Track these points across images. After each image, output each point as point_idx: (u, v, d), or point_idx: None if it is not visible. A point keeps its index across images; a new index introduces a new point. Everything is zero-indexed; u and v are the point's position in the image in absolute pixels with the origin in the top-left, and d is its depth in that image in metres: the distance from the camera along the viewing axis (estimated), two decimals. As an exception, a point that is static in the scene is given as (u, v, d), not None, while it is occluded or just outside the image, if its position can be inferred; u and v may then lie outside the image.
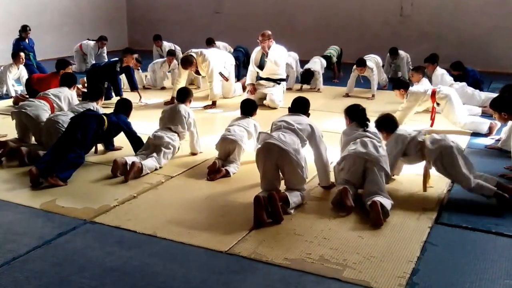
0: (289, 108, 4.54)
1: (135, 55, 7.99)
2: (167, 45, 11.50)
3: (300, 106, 4.51)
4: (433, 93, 6.33)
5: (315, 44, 11.22)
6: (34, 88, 7.22)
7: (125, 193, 4.27)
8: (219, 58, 8.12)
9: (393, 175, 4.52)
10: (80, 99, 7.63)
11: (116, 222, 3.74)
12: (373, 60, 8.93)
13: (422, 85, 6.85)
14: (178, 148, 5.24)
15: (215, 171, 4.69)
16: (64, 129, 4.93)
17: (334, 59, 10.25)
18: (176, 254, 3.32)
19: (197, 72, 8.07)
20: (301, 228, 3.65)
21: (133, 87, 7.99)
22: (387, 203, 3.88)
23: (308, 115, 4.51)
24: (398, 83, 6.71)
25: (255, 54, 7.90)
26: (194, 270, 3.12)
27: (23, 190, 4.39)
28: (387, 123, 4.55)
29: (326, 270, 3.10)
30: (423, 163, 4.35)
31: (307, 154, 4.20)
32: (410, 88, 6.50)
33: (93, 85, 5.92)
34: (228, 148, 4.88)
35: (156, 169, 4.80)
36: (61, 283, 2.98)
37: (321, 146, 4.32)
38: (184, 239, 3.48)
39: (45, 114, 5.41)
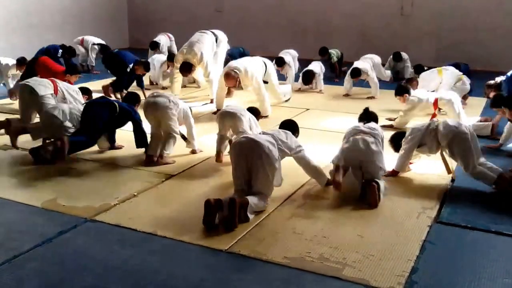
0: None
1: (146, 73, 8.12)
2: (163, 39, 11.50)
3: (287, 127, 4.42)
4: (435, 102, 6.36)
5: (316, 44, 11.21)
6: (36, 69, 7.26)
7: (126, 192, 4.28)
8: (210, 51, 7.95)
9: (406, 171, 4.75)
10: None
11: (116, 221, 3.75)
12: (367, 61, 8.79)
13: (425, 92, 6.80)
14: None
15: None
16: (59, 120, 5.03)
17: (335, 59, 10.27)
18: (176, 252, 3.34)
19: None
20: (301, 227, 3.67)
21: (139, 85, 8.07)
22: (382, 187, 4.06)
23: (296, 136, 4.41)
24: (400, 89, 6.73)
25: (222, 79, 6.99)
26: (194, 269, 3.14)
27: (24, 189, 4.40)
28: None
29: (325, 268, 3.11)
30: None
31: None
32: (412, 92, 6.53)
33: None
34: (228, 122, 4.87)
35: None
36: (62, 281, 2.99)
37: (303, 154, 4.24)
38: (184, 237, 3.49)
39: (47, 91, 5.53)
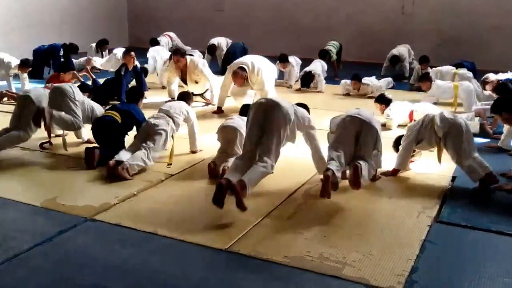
0: None
1: (133, 53, 8.01)
2: (163, 41, 11.46)
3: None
4: (410, 114, 6.34)
5: (316, 42, 11.22)
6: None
7: (126, 191, 4.28)
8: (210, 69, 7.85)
9: (406, 169, 4.75)
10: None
11: (116, 220, 3.75)
12: (372, 79, 8.68)
13: (399, 108, 6.61)
14: (172, 139, 5.09)
15: (215, 175, 4.61)
16: (73, 98, 5.14)
17: (334, 57, 10.22)
18: (177, 252, 3.34)
19: (184, 80, 7.67)
20: (301, 226, 3.66)
21: (142, 89, 8.02)
22: (366, 171, 3.98)
23: None
24: (380, 98, 6.76)
25: (229, 77, 6.94)
26: (194, 268, 3.14)
27: (24, 188, 4.40)
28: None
29: (325, 268, 3.11)
30: None
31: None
32: (391, 106, 6.50)
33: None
34: (228, 137, 4.79)
35: (144, 166, 4.68)
36: (61, 281, 2.99)
37: (314, 132, 4.39)
38: (184, 237, 3.49)
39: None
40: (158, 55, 9.42)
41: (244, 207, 3.66)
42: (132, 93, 5.61)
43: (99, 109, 5.46)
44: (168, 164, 4.93)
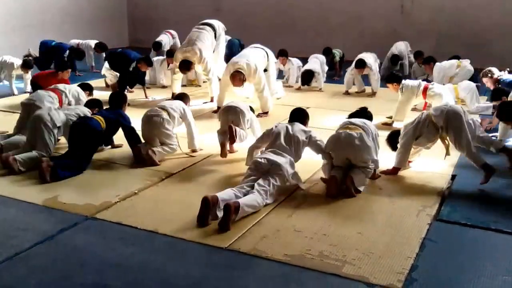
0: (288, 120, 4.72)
1: (150, 68, 8.26)
2: (165, 39, 11.46)
3: (297, 117, 4.67)
4: (425, 89, 6.35)
5: (315, 42, 11.25)
6: (39, 83, 7.36)
7: (126, 190, 4.29)
8: (210, 48, 7.90)
9: (406, 167, 4.77)
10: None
11: (117, 218, 3.76)
12: (372, 57, 8.81)
13: (416, 80, 6.83)
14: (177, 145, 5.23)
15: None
16: (49, 126, 4.90)
17: (337, 58, 10.27)
18: (177, 250, 3.35)
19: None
20: (301, 225, 3.67)
21: (141, 83, 8.20)
22: (360, 181, 4.18)
23: (306, 121, 4.73)
24: (390, 77, 6.74)
25: (227, 78, 6.89)
26: (195, 266, 3.15)
27: (25, 187, 4.40)
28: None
29: (325, 266, 3.12)
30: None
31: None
32: (404, 81, 6.50)
33: (92, 99, 5.80)
34: (230, 118, 4.99)
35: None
36: (62, 279, 3.00)
37: (316, 139, 4.45)
38: (184, 235, 3.50)
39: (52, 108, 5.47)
40: (154, 61, 9.43)
41: (229, 228, 3.57)
42: (115, 98, 5.41)
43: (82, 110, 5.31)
44: (187, 154, 5.22)
